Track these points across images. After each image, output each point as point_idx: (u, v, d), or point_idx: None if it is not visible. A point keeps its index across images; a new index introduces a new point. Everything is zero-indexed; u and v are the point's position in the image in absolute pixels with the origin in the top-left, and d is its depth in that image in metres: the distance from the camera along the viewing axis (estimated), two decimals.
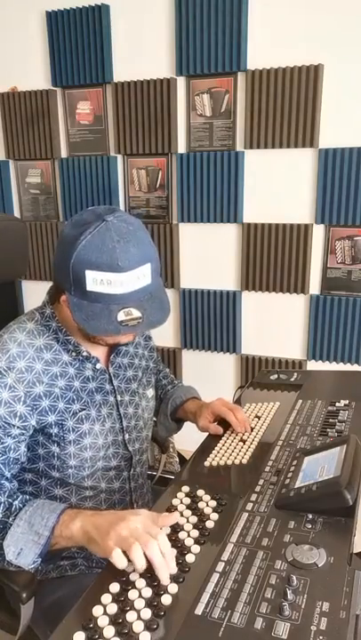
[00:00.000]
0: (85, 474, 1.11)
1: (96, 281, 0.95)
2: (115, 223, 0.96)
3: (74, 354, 1.09)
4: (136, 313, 0.97)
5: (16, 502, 0.97)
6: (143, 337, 1.33)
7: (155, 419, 1.44)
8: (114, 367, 1.17)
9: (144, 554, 0.79)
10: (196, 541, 0.87)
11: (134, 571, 0.80)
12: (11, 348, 1.03)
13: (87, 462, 1.10)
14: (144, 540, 0.80)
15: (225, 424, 1.25)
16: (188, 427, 1.41)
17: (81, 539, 0.89)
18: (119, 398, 1.16)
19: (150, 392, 1.29)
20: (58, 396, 1.06)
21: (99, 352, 1.14)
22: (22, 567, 0.91)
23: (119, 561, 0.80)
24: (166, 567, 0.79)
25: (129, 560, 0.80)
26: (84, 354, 1.09)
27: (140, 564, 0.79)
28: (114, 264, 0.93)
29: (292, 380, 1.50)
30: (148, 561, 0.79)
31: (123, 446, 1.18)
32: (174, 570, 0.81)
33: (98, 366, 1.12)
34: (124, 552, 0.81)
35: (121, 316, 0.96)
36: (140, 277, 0.96)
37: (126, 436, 1.18)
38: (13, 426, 1.00)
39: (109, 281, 0.94)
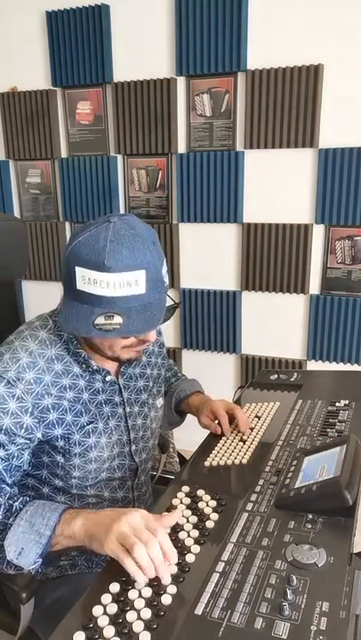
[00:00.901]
0: (88, 484, 1.11)
1: (84, 279, 0.92)
2: (116, 224, 0.93)
3: (84, 366, 1.07)
4: (117, 319, 0.92)
5: (16, 504, 0.97)
6: (158, 344, 1.30)
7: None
8: (124, 378, 1.15)
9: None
10: (196, 541, 0.87)
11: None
12: (21, 357, 1.01)
13: (91, 474, 1.09)
14: (145, 539, 0.80)
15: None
16: (189, 427, 1.41)
17: (82, 537, 0.89)
18: (128, 410, 1.15)
19: (160, 402, 1.27)
20: (66, 408, 1.04)
21: (109, 364, 1.11)
22: (23, 568, 0.91)
23: (135, 572, 0.78)
24: (167, 566, 0.79)
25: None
26: (94, 367, 1.07)
27: (147, 565, 0.78)
28: (100, 262, 0.90)
29: (292, 380, 1.50)
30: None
31: (129, 457, 1.17)
32: (174, 569, 0.81)
33: (108, 379, 1.10)
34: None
35: (100, 320, 0.92)
36: (131, 284, 0.91)
37: (133, 448, 1.17)
38: (19, 436, 0.99)
39: (95, 280, 0.91)
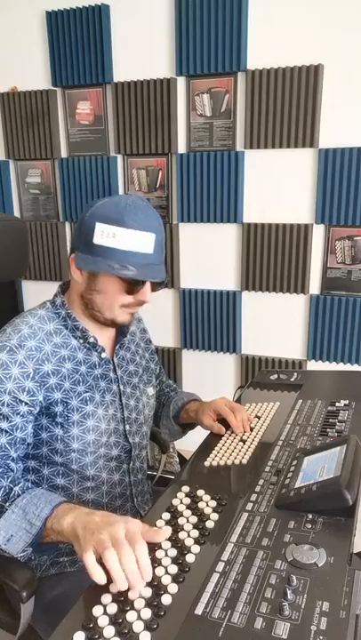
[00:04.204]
0: (88, 460, 1.12)
1: (103, 234, 1.04)
2: (132, 196, 1.10)
3: (81, 340, 1.14)
4: (131, 269, 1.05)
5: (16, 488, 0.97)
6: (144, 340, 1.37)
7: (158, 426, 1.46)
8: (118, 358, 1.22)
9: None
10: (196, 541, 0.86)
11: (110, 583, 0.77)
12: (22, 328, 1.09)
13: (90, 446, 1.12)
14: (121, 550, 0.77)
15: (226, 423, 1.25)
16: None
17: (69, 535, 0.88)
18: (122, 388, 1.20)
19: (151, 391, 1.32)
20: (65, 375, 1.10)
21: (105, 342, 1.19)
22: (11, 554, 0.91)
23: (94, 570, 0.76)
24: (139, 578, 0.76)
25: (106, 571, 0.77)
26: (91, 340, 1.14)
27: (118, 574, 0.75)
28: (121, 218, 1.04)
29: (292, 380, 1.50)
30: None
31: (123, 437, 1.20)
32: (148, 578, 0.77)
33: (103, 355, 1.17)
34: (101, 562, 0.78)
35: (117, 267, 1.05)
36: (143, 242, 1.05)
37: (127, 427, 1.20)
38: (22, 402, 1.02)
39: (114, 234, 1.04)
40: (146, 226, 1.05)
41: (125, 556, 0.77)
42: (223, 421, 1.26)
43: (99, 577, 0.76)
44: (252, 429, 1.23)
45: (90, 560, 0.78)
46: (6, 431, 1.01)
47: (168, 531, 0.88)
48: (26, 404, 1.03)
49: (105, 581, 0.76)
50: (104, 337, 1.19)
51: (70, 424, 1.09)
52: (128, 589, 0.76)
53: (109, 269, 1.05)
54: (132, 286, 1.09)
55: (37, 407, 1.06)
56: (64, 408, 1.08)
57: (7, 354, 1.04)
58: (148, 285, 1.10)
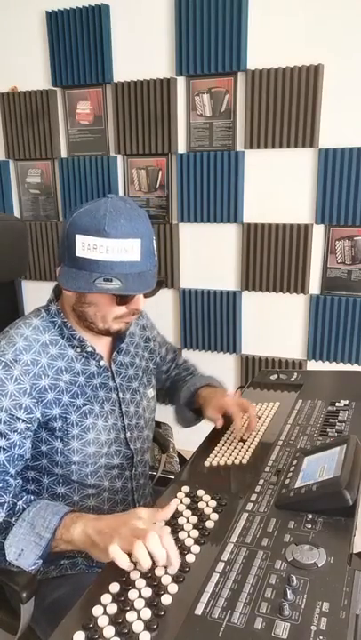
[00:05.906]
0: (88, 471, 1.12)
1: (84, 245, 0.98)
2: (114, 199, 1.01)
3: (79, 349, 1.11)
4: (116, 282, 0.99)
5: (20, 502, 0.97)
6: (143, 339, 1.34)
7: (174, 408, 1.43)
8: (116, 365, 1.19)
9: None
10: (196, 541, 0.87)
11: (136, 568, 0.80)
12: (17, 341, 1.05)
13: (90, 458, 1.11)
14: (146, 539, 0.80)
15: (229, 418, 1.24)
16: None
17: (82, 543, 0.89)
18: (121, 396, 1.18)
19: (151, 392, 1.30)
20: (63, 389, 1.07)
21: (102, 349, 1.16)
22: (23, 568, 0.91)
23: (120, 558, 0.79)
24: (170, 559, 0.80)
25: (132, 560, 0.80)
26: (89, 349, 1.11)
27: (145, 562, 0.78)
28: (101, 229, 0.97)
29: (292, 380, 1.50)
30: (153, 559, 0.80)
31: (124, 444, 1.18)
32: (178, 563, 0.81)
33: (101, 363, 1.14)
34: (129, 554, 0.81)
35: (99, 281, 0.99)
36: (127, 250, 0.98)
37: (128, 435, 1.19)
38: (19, 419, 1.00)
39: (95, 245, 0.97)
40: (129, 232, 0.98)
41: (151, 541, 0.79)
42: (225, 416, 1.24)
43: (125, 563, 0.79)
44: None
45: (116, 550, 0.80)
46: (4, 449, 0.99)
47: (175, 502, 0.90)
48: (23, 421, 1.01)
49: (132, 567, 0.80)
50: (101, 344, 1.16)
51: (70, 438, 1.08)
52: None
53: (92, 288, 1.00)
54: (123, 298, 1.04)
55: (35, 423, 1.04)
56: (63, 423, 1.06)
57: (2, 370, 1.00)
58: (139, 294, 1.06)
